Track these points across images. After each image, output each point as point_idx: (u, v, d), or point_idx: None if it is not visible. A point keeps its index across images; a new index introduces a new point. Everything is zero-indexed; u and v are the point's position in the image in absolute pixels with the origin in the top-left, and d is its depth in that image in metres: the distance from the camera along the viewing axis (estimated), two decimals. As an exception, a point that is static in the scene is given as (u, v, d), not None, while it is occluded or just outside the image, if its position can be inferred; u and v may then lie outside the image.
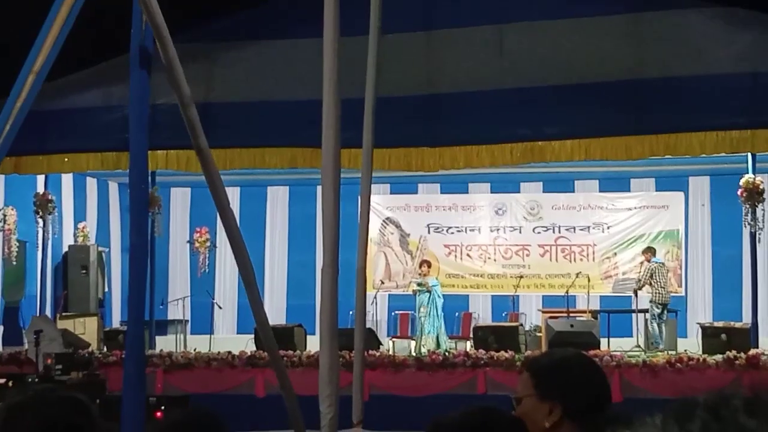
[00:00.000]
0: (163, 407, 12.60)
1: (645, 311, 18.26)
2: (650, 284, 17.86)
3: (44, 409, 2.91)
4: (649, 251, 18.53)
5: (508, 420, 2.79)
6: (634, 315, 19.02)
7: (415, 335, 18.95)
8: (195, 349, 16.80)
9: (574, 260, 20.53)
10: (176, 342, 19.03)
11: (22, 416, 2.90)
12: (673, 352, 15.79)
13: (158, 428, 3.46)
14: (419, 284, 18.80)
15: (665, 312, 17.70)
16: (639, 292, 18.30)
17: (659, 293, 17.76)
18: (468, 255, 21.14)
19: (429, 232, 21.35)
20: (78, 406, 2.95)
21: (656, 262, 18.17)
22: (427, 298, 18.38)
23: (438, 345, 17.62)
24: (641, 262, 18.58)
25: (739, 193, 16.48)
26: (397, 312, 20.74)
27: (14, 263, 18.81)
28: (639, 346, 16.75)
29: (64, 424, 2.89)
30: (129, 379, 7.28)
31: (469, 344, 17.78)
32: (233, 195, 18.78)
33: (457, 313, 20.03)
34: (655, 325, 17.52)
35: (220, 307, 20.64)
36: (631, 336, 18.70)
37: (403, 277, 21.38)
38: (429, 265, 19.15)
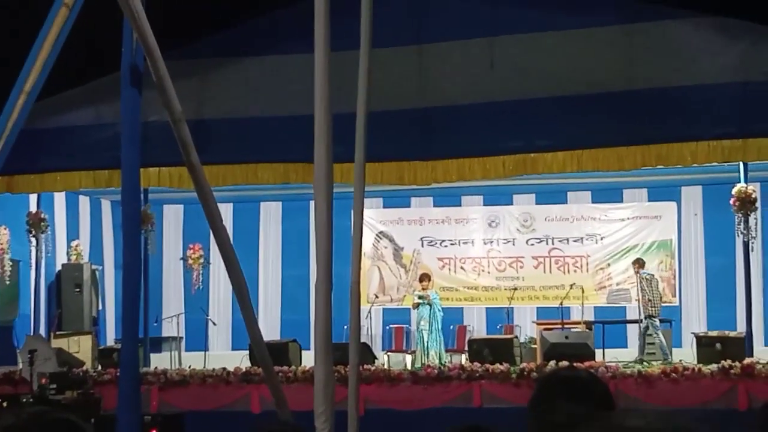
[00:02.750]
0: (157, 425, 12.56)
1: (640, 321, 18.29)
2: (642, 298, 17.86)
3: (31, 429, 2.89)
4: (638, 263, 18.53)
5: None
6: (628, 326, 19.05)
7: (413, 349, 18.93)
8: (190, 366, 16.77)
9: (568, 272, 20.53)
10: (171, 359, 19.01)
11: None
12: (668, 363, 15.78)
13: None
14: (420, 297, 18.80)
15: (656, 323, 17.69)
16: (631, 303, 18.31)
17: (648, 305, 17.78)
18: (462, 268, 21.14)
19: (422, 246, 21.34)
20: (73, 428, 2.94)
21: (646, 275, 18.17)
22: (427, 312, 18.38)
23: (440, 360, 17.59)
24: (636, 272, 18.55)
25: (731, 202, 16.51)
26: (391, 326, 20.73)
27: (8, 283, 18.77)
28: (643, 360, 16.63)
29: None
30: (124, 398, 7.28)
31: (464, 357, 17.76)
32: (226, 211, 18.75)
33: (451, 326, 20.01)
34: (661, 336, 17.46)
35: (214, 324, 20.62)
36: (626, 347, 18.73)
37: (397, 291, 21.37)
38: (429, 279, 19.14)
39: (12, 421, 2.95)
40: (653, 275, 18.36)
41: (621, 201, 20.84)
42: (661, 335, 17.47)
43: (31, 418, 2.97)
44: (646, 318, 17.59)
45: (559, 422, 2.93)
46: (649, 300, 17.70)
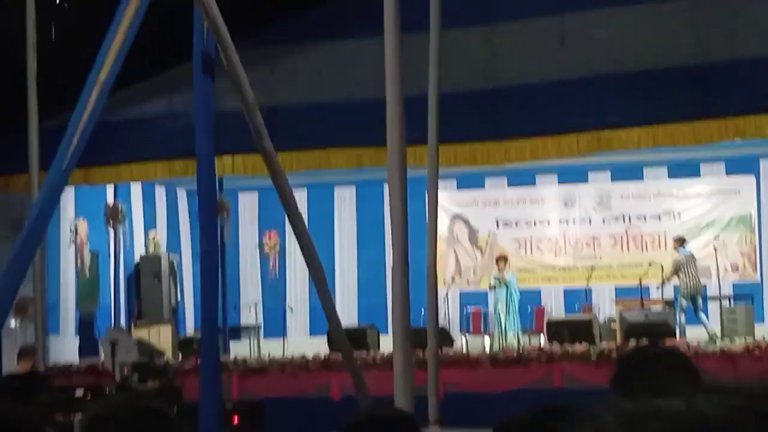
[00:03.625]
0: (238, 413, 12.64)
1: (727, 298, 18.11)
2: (678, 277, 17.72)
3: (126, 420, 2.91)
4: (679, 241, 18.32)
5: (574, 417, 2.76)
6: (709, 303, 18.80)
7: (491, 331, 18.88)
8: (269, 354, 16.85)
9: (646, 249, 20.30)
10: (250, 347, 19.14)
11: (104, 427, 2.91)
12: (751, 339, 15.53)
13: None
14: (497, 279, 18.72)
15: (698, 303, 17.56)
16: (711, 280, 18.10)
17: (687, 285, 17.61)
18: (538, 248, 21.00)
19: (498, 227, 21.23)
20: (159, 416, 2.96)
21: (684, 254, 17.98)
22: (504, 294, 18.30)
23: (518, 342, 17.54)
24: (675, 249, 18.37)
25: (812, 174, 16.22)
26: (469, 308, 20.66)
27: (87, 275, 19.01)
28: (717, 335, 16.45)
29: None
30: (205, 386, 7.31)
31: (542, 338, 17.67)
32: (301, 197, 18.78)
33: (529, 308, 19.90)
34: (683, 316, 17.38)
35: (291, 310, 20.71)
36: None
37: (473, 274, 21.30)
38: (506, 260, 19.07)
39: (101, 409, 2.98)
40: (692, 254, 18.19)
41: (698, 176, 20.55)
42: (684, 316, 17.39)
43: (119, 406, 3.00)
44: (685, 298, 17.55)
45: (642, 392, 2.88)
46: (691, 279, 17.65)
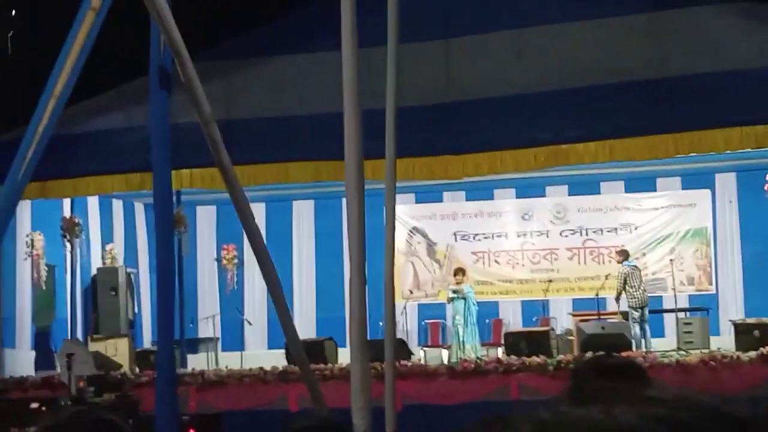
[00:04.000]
0: (196, 425, 12.61)
1: (683, 310, 18.26)
2: (625, 290, 17.85)
3: (79, 431, 2.92)
4: (622, 254, 18.47)
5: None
6: (665, 315, 18.95)
7: (449, 344, 18.91)
8: (227, 367, 16.81)
9: (603, 262, 20.43)
10: (208, 360, 19.07)
11: None
12: (707, 351, 15.67)
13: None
14: (454, 291, 18.78)
15: (645, 314, 17.68)
16: (667, 293, 18.25)
17: (635, 297, 17.75)
18: (496, 261, 21.09)
19: (456, 240, 21.30)
20: (112, 428, 2.97)
21: (628, 266, 18.13)
22: (462, 306, 18.35)
23: (476, 354, 17.56)
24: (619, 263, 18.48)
25: (766, 188, 16.40)
26: (427, 321, 20.71)
27: (44, 288, 18.89)
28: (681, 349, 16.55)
29: None
30: (161, 398, 7.30)
31: (500, 350, 17.73)
32: (259, 211, 18.77)
33: (487, 320, 19.97)
34: (637, 327, 17.50)
35: (250, 324, 20.67)
36: (664, 336, 18.62)
37: (432, 286, 21.34)
38: (464, 273, 19.10)
39: (53, 420, 2.99)
40: (635, 266, 18.33)
41: (654, 190, 20.74)
42: (637, 327, 17.51)
43: (71, 417, 3.01)
44: (635, 309, 17.66)
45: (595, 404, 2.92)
46: (637, 290, 17.77)
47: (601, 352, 14.43)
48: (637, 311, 17.64)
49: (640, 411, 0.91)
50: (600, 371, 3.26)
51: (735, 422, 0.88)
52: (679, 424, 0.89)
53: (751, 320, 16.76)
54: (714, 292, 20.13)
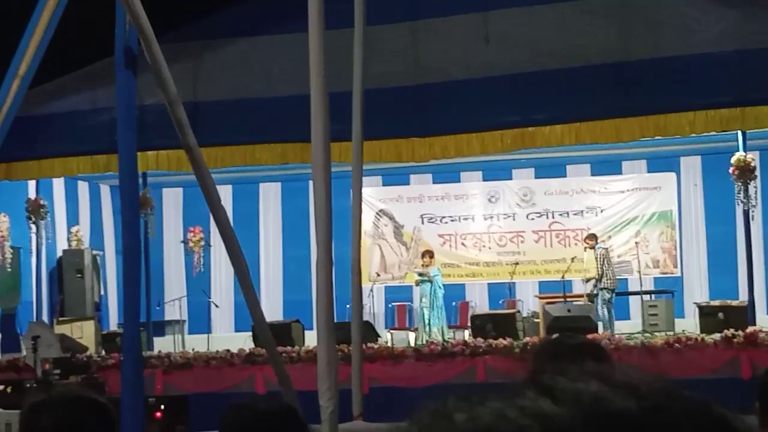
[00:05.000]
0: (162, 407, 12.60)
1: (648, 293, 18.38)
2: (601, 271, 17.97)
3: (66, 409, 2.97)
4: (593, 238, 18.58)
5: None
6: (630, 297, 19.07)
7: (416, 326, 18.96)
8: (193, 349, 16.79)
9: (569, 245, 20.51)
10: (174, 342, 19.03)
11: (43, 415, 2.99)
12: (671, 333, 15.78)
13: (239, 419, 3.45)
14: (420, 274, 18.80)
15: (613, 296, 17.87)
16: (633, 275, 18.39)
17: (611, 279, 17.89)
18: (463, 244, 21.13)
19: (423, 223, 21.32)
20: (98, 408, 3.01)
21: (602, 248, 18.27)
22: (428, 289, 18.38)
23: (443, 337, 17.60)
24: (585, 249, 18.56)
25: (730, 171, 16.51)
26: (394, 304, 20.74)
27: (9, 270, 18.78)
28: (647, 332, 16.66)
29: (84, 424, 2.95)
30: (127, 381, 7.30)
31: (467, 333, 17.79)
32: (225, 193, 18.74)
33: (454, 303, 20.03)
34: (605, 310, 17.62)
35: (216, 306, 20.64)
36: (629, 318, 18.75)
37: (398, 269, 21.37)
38: (431, 255, 19.10)
39: (42, 397, 3.05)
40: (607, 248, 18.47)
41: (620, 173, 20.82)
42: (605, 309, 17.65)
43: (59, 396, 3.06)
44: (607, 290, 17.80)
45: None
46: (612, 272, 17.94)
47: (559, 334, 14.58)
48: (609, 293, 17.75)
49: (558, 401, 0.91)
50: (559, 352, 3.28)
51: (623, 417, 0.88)
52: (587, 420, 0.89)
53: (715, 303, 16.89)
54: (679, 274, 20.26)
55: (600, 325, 17.13)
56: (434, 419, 0.95)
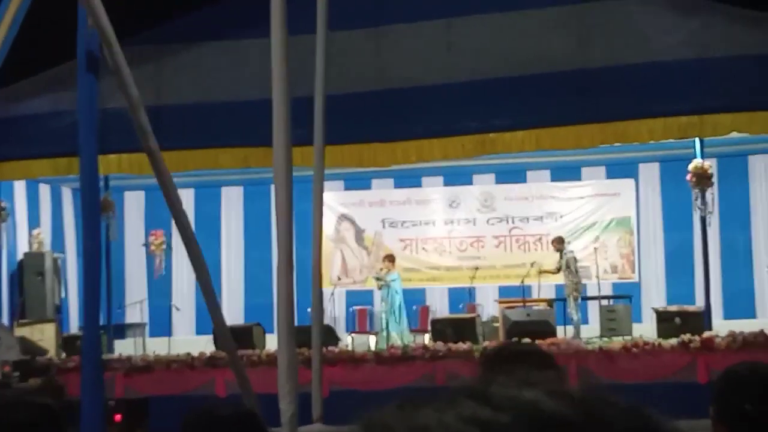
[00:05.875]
0: (122, 410, 12.59)
1: (607, 297, 18.58)
2: (570, 275, 18.14)
3: (10, 414, 2.96)
4: (560, 242, 18.73)
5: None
6: (589, 302, 19.23)
7: (377, 330, 19.03)
8: (154, 352, 16.78)
9: (529, 250, 20.67)
10: (135, 345, 19.01)
11: None
12: (629, 338, 15.94)
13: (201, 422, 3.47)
14: (377, 279, 18.86)
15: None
16: (592, 280, 18.59)
17: (580, 283, 18.12)
18: (423, 248, 21.24)
19: (384, 227, 21.41)
20: (45, 412, 3.01)
21: (571, 252, 18.48)
22: (386, 293, 18.47)
23: (403, 341, 17.65)
24: (558, 251, 18.70)
25: (688, 178, 16.70)
26: (355, 308, 20.81)
27: (-31, 272, 18.69)
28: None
29: (24, 426, 2.94)
30: (87, 383, 7.32)
31: (427, 337, 17.87)
32: (187, 197, 18.75)
33: (414, 307, 20.11)
34: (580, 314, 17.89)
35: (177, 309, 20.63)
36: (587, 323, 18.91)
37: (360, 273, 21.44)
38: (392, 260, 19.16)
39: None
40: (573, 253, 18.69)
41: (580, 179, 21.00)
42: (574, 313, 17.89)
43: (3, 401, 3.04)
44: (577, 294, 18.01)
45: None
46: (579, 276, 18.15)
47: (527, 340, 14.66)
48: (576, 299, 17.95)
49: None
50: (504, 358, 3.35)
51: (558, 423, 0.94)
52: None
53: (672, 308, 17.05)
54: (637, 280, 20.46)
55: (571, 329, 17.36)
56: (373, 428, 1.01)
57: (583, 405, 0.95)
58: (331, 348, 15.42)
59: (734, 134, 15.59)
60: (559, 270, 18.44)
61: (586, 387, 0.99)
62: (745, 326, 15.35)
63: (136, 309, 20.24)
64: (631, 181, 20.71)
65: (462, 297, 20.34)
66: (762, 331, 14.51)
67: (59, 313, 19.95)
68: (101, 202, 11.92)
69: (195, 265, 8.46)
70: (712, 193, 16.77)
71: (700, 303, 17.59)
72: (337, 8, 11.75)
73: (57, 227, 21.29)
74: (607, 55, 15.51)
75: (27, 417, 2.98)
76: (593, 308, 19.01)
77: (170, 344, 18.30)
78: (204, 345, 16.45)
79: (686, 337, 14.87)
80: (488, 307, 20.09)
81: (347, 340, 18.86)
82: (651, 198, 20.79)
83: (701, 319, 15.99)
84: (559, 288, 19.34)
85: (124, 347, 18.39)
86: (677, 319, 15.83)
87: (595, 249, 19.69)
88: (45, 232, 20.79)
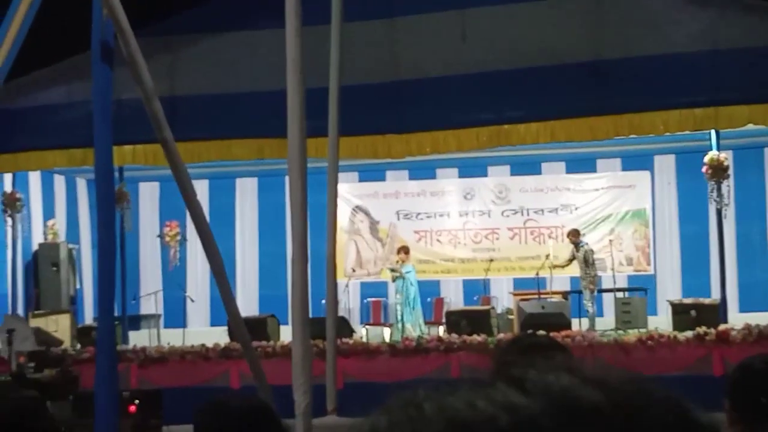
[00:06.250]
0: (136, 401, 12.62)
1: (622, 290, 18.54)
2: (588, 268, 18.13)
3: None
4: (576, 234, 18.68)
5: None
6: (604, 294, 19.18)
7: (391, 322, 19.02)
8: (168, 343, 16.80)
9: (544, 242, 20.61)
10: (149, 336, 19.04)
11: None
12: (645, 330, 15.89)
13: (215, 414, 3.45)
14: (391, 270, 18.84)
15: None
16: (607, 272, 18.57)
17: (595, 276, 18.14)
18: (438, 240, 21.21)
19: (398, 219, 21.38)
20: (26, 405, 3.00)
21: (588, 245, 18.46)
22: (401, 285, 18.46)
23: (420, 332, 17.64)
24: (574, 244, 18.65)
25: (704, 170, 16.63)
26: (369, 299, 20.80)
27: (-17, 263, 18.74)
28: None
29: (9, 423, 2.93)
30: (101, 374, 7.32)
31: (441, 329, 17.85)
32: (202, 188, 18.76)
33: (429, 299, 20.09)
34: (596, 306, 17.92)
35: (192, 301, 20.64)
36: (602, 315, 18.85)
37: (374, 265, 21.42)
38: (407, 252, 19.15)
39: None
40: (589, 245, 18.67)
41: (595, 171, 20.93)
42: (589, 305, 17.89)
43: None
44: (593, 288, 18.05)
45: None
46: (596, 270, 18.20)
47: (542, 332, 14.65)
48: (592, 290, 17.98)
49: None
50: (520, 350, 3.32)
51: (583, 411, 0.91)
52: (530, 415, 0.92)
53: (688, 300, 16.99)
54: (652, 272, 20.39)
55: (586, 321, 17.37)
56: (404, 408, 0.98)
57: (618, 394, 0.92)
58: (345, 340, 15.42)
59: (750, 126, 15.52)
60: (570, 262, 18.41)
61: (625, 374, 0.97)
62: (760, 319, 15.30)
63: (150, 300, 20.26)
64: (646, 173, 20.63)
65: (477, 289, 20.30)
66: (778, 324, 14.46)
67: (74, 304, 20.00)
68: (116, 193, 11.93)
69: (209, 256, 8.47)
70: (728, 186, 16.69)
71: (715, 296, 17.53)
72: (352, -1, 11.74)
73: (72, 218, 21.32)
74: (622, 47, 15.46)
75: (8, 409, 2.96)
76: (608, 301, 18.95)
77: (185, 335, 18.32)
78: (218, 336, 16.46)
79: (701, 329, 14.84)
80: (503, 299, 20.05)
81: (362, 332, 18.84)
82: (666, 190, 20.71)
83: (717, 312, 15.94)
84: (574, 280, 19.28)
85: (138, 338, 18.41)
86: (693, 312, 15.78)
87: (611, 241, 19.62)
88: (60, 222, 20.83)
